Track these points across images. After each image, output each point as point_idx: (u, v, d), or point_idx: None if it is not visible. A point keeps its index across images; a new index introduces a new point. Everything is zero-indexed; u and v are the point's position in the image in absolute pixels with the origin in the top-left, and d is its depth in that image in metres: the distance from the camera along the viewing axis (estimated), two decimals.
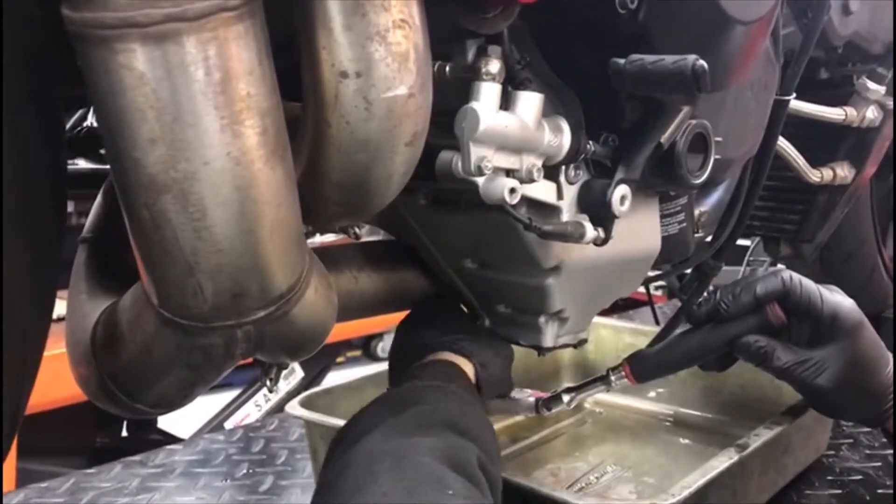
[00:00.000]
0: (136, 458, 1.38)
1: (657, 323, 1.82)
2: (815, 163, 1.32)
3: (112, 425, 2.71)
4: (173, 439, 2.65)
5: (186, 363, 0.68)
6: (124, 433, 2.78)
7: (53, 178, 0.64)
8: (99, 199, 0.89)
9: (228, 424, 2.78)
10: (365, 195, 0.69)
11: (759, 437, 1.03)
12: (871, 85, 1.27)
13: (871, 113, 1.29)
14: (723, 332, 0.99)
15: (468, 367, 0.96)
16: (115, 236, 0.86)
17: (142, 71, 0.53)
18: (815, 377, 0.96)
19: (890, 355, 0.99)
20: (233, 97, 0.55)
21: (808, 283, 0.98)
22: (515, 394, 1.10)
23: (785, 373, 0.97)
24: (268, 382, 0.82)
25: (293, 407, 1.17)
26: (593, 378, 1.08)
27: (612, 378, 1.04)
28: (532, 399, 1.09)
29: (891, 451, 1.28)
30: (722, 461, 0.96)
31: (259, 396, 2.87)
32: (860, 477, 1.21)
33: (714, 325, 1.00)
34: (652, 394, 1.43)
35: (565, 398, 1.07)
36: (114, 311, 0.73)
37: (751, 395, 1.33)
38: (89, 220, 0.88)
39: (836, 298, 0.98)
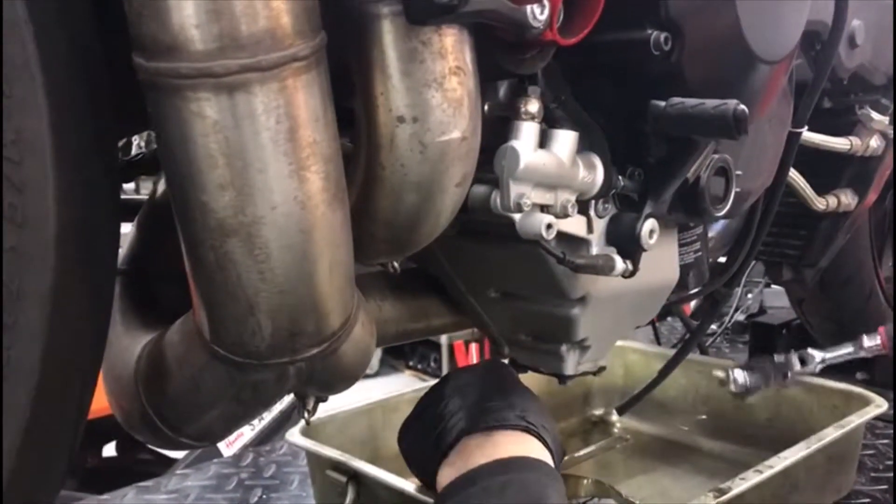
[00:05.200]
0: (149, 482, 1.38)
1: (658, 342, 1.85)
2: (818, 190, 1.35)
3: (98, 445, 2.68)
4: (164, 459, 2.63)
5: (236, 398, 0.70)
6: (112, 453, 2.75)
7: (113, 209, 0.65)
8: (133, 231, 0.90)
9: (221, 444, 2.76)
10: (413, 233, 0.71)
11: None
12: (875, 115, 1.30)
13: (875, 142, 1.32)
14: None
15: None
16: (151, 269, 0.88)
17: (215, 119, 0.54)
18: None
19: None
20: (300, 144, 0.57)
21: None
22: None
23: None
24: (305, 415, 0.82)
25: (293, 434, 1.16)
26: (846, 343, 1.25)
27: (866, 342, 1.19)
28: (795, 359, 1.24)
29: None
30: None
31: None
32: (868, 500, 1.23)
33: None
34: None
35: (817, 357, 1.23)
36: (159, 345, 0.74)
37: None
38: (124, 253, 0.89)
39: None
